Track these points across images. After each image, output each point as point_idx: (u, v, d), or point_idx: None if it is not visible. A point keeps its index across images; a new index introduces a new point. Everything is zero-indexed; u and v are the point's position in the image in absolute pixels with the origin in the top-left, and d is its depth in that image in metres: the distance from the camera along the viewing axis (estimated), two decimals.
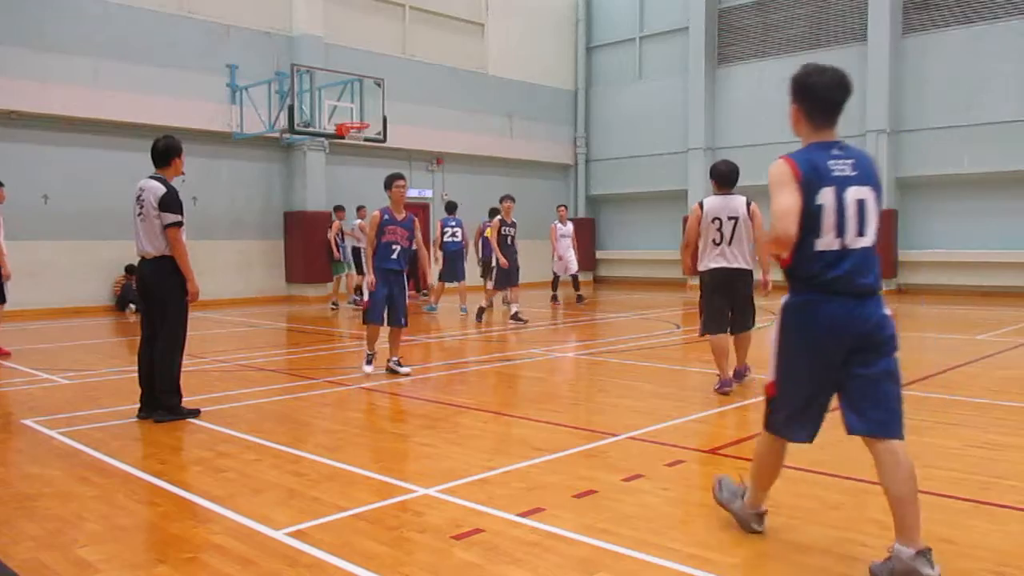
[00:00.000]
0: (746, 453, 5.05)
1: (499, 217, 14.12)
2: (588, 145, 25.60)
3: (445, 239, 15.10)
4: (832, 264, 3.27)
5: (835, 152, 3.49)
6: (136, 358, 6.46)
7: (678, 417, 6.21)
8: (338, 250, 16.50)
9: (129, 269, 15.80)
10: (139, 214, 6.25)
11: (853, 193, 3.33)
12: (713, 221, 7.06)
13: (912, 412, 6.29)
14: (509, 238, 13.90)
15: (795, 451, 5.09)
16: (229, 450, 5.34)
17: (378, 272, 8.11)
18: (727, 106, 22.52)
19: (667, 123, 23.46)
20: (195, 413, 6.36)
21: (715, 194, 7.28)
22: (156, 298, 6.31)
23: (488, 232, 14.61)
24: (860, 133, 19.81)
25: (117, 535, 3.83)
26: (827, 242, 3.28)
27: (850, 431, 3.40)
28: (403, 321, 8.26)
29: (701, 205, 7.24)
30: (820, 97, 3.63)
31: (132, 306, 15.03)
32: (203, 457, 5.20)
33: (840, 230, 3.28)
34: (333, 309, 16.19)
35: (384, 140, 17.31)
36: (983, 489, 4.36)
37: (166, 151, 6.37)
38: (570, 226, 16.85)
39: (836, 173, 3.38)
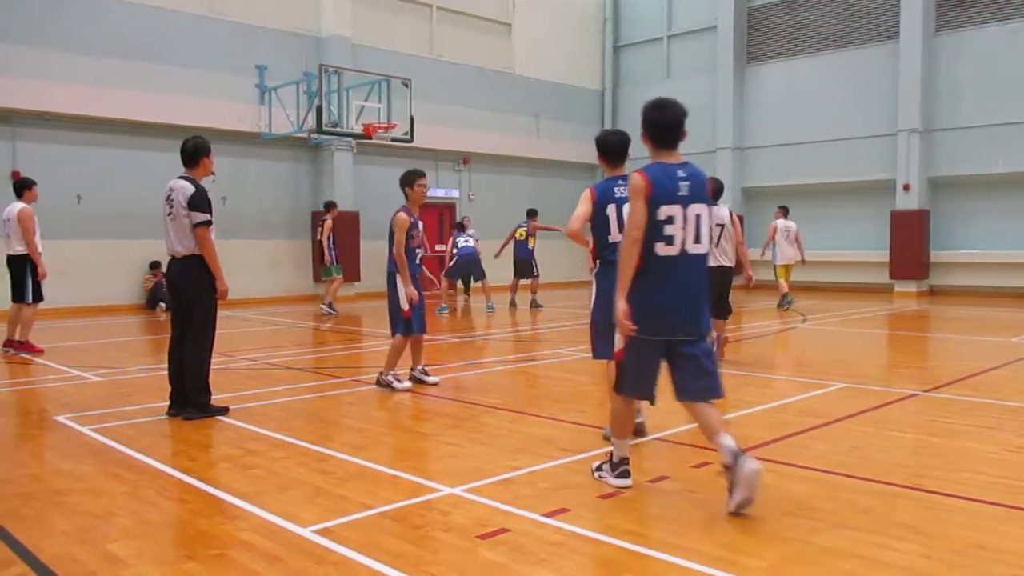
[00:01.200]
0: (775, 455, 5.01)
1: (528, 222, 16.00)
2: None
3: (459, 245, 15.62)
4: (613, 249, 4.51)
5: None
6: (166, 356, 6.54)
7: None
8: (328, 253, 15.13)
9: (153, 266, 16.01)
10: (169, 213, 6.32)
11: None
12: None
13: (944, 415, 6.22)
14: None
15: (823, 455, 5.05)
16: (257, 447, 5.38)
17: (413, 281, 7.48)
18: (756, 105, 22.36)
19: (695, 123, 22.74)
20: (224, 411, 6.42)
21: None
22: (185, 296, 6.37)
23: (520, 233, 16.16)
24: (891, 132, 19.59)
25: (147, 531, 3.87)
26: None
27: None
28: (425, 328, 7.81)
29: None
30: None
31: (162, 304, 15.22)
32: (231, 454, 5.24)
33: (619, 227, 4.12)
34: (329, 314, 14.80)
35: (411, 140, 17.37)
36: (1015, 494, 4.28)
37: (195, 151, 6.44)
38: None
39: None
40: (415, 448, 5.44)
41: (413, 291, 7.35)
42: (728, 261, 8.13)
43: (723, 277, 8.11)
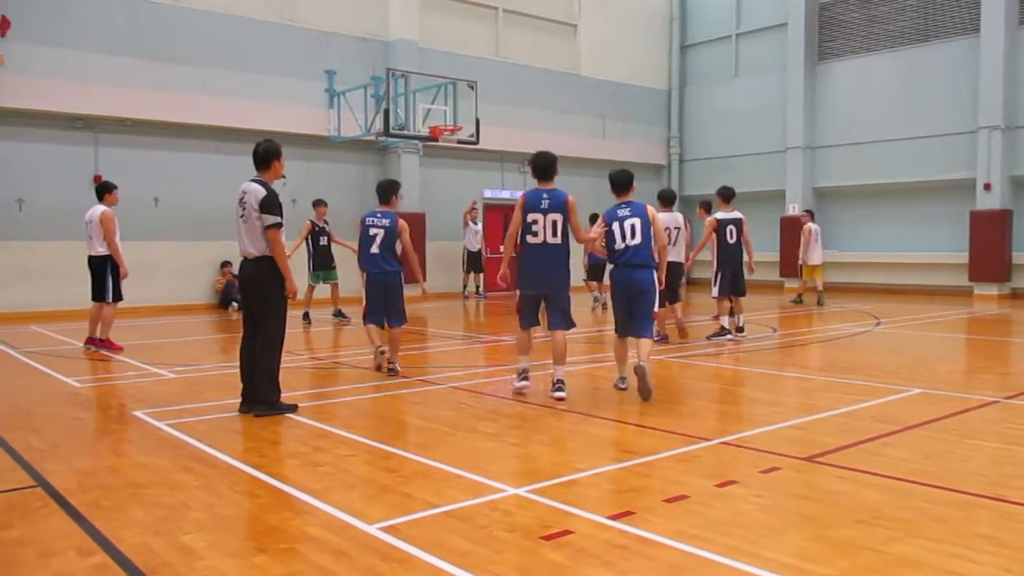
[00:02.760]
0: (847, 462, 4.88)
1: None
2: (682, 145, 25.22)
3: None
4: (620, 253, 7.16)
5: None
6: (238, 354, 6.70)
7: (774, 423, 6.05)
8: (308, 254, 13.69)
9: (223, 265, 16.43)
10: (241, 216, 6.47)
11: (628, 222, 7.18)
12: (665, 230, 8.55)
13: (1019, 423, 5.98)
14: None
15: (898, 462, 4.90)
16: (324, 445, 5.48)
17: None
18: (828, 104, 21.83)
19: (765, 122, 22.90)
20: (293, 408, 6.55)
21: (662, 210, 10.16)
22: (257, 296, 6.52)
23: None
24: (971, 129, 18.92)
25: (219, 524, 3.98)
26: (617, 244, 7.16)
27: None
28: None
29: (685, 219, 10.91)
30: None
31: (234, 304, 15.61)
32: (300, 451, 5.35)
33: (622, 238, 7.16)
34: (344, 320, 13.83)
35: (476, 142, 17.45)
36: None
37: (266, 154, 6.58)
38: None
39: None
40: (479, 448, 5.46)
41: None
42: (679, 258, 10.63)
43: (675, 270, 10.44)
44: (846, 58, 21.56)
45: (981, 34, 18.75)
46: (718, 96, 24.38)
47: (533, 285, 7.11)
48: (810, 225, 17.51)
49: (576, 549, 3.55)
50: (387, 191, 8.63)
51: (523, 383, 7.22)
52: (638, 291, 7.11)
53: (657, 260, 7.27)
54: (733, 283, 11.08)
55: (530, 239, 6.94)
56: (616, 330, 7.45)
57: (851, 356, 9.79)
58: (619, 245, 7.16)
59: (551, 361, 7.25)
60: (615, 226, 7.18)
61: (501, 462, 5.10)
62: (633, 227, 7.15)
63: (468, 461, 5.07)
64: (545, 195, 6.91)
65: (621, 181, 7.39)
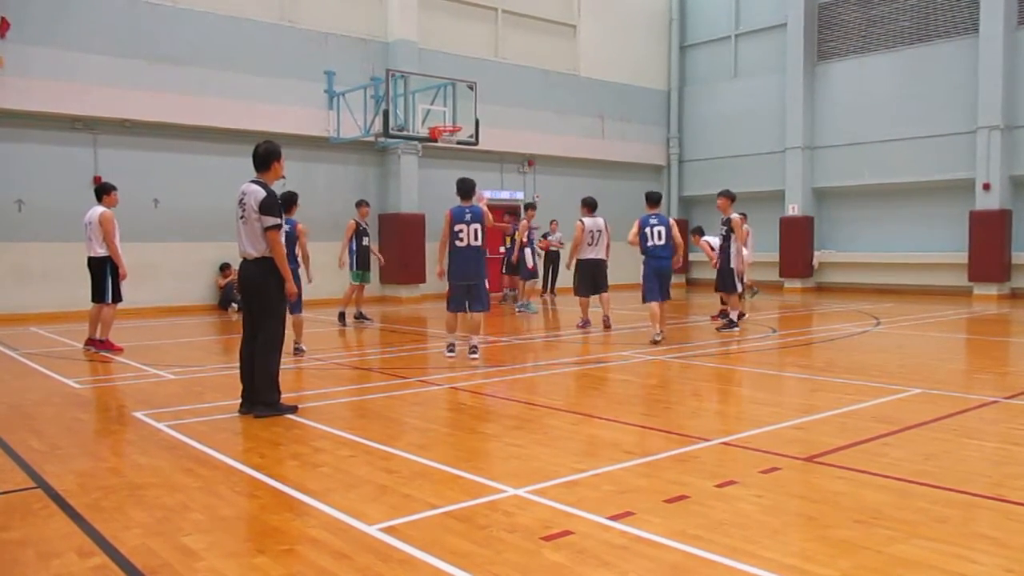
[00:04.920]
0: (847, 462, 4.88)
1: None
2: (681, 145, 25.23)
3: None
4: (651, 249, 10.76)
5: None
6: (238, 355, 6.70)
7: (774, 423, 6.05)
8: (351, 255, 13.47)
9: (223, 267, 16.43)
10: (241, 217, 6.47)
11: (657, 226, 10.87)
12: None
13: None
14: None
15: (898, 462, 4.90)
16: (324, 446, 5.48)
17: None
18: (827, 104, 21.85)
19: (764, 122, 22.92)
20: (293, 409, 6.55)
21: (586, 216, 12.62)
22: (256, 298, 6.51)
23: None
24: (970, 129, 18.95)
25: (219, 525, 3.97)
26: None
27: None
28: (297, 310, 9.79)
29: (583, 221, 12.54)
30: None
31: (234, 305, 15.61)
32: (300, 452, 5.34)
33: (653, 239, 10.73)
34: (367, 322, 13.86)
35: (476, 143, 17.46)
36: None
37: (266, 155, 6.58)
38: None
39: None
40: (479, 449, 5.46)
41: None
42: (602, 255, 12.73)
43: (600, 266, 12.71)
44: (845, 58, 21.58)
45: (980, 34, 18.77)
46: (717, 96, 24.38)
47: (462, 277, 9.28)
48: (746, 227, 16.99)
49: (576, 550, 3.55)
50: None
51: (451, 354, 9.41)
52: (666, 274, 10.96)
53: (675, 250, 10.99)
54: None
55: (458, 243, 9.20)
56: (651, 299, 10.78)
57: (851, 356, 9.79)
58: (650, 243, 10.85)
59: (469, 333, 9.62)
60: (647, 230, 10.87)
61: (501, 463, 5.09)
62: (660, 232, 10.89)
63: (468, 462, 5.07)
64: (467, 210, 9.18)
65: (654, 199, 11.27)
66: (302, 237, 10.10)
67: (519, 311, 15.50)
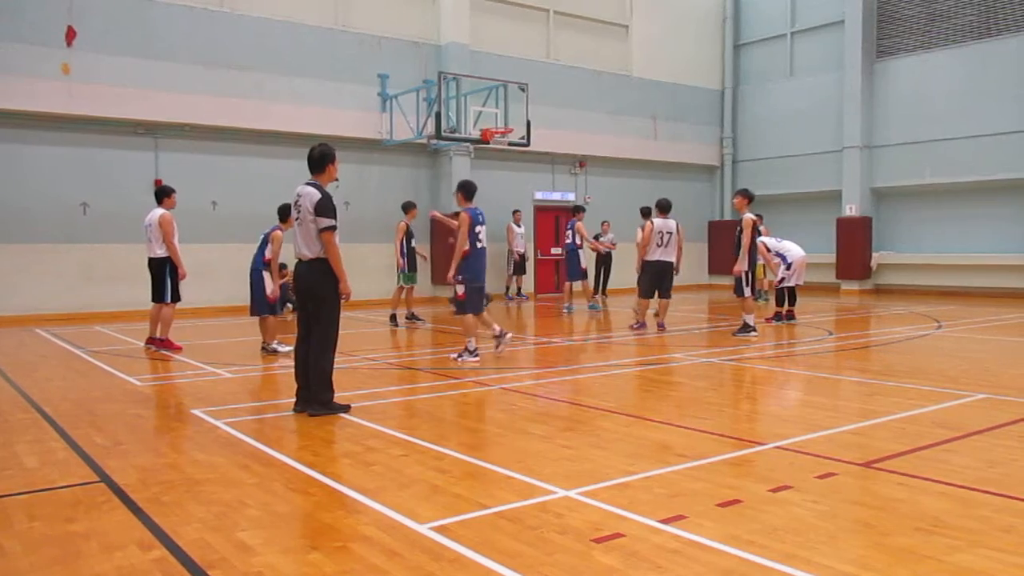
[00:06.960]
0: (906, 468, 4.76)
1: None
2: (735, 146, 24.91)
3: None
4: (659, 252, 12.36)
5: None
6: (292, 354, 6.80)
7: (830, 427, 5.92)
8: (402, 257, 13.62)
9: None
10: (297, 218, 6.57)
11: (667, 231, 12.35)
12: (658, 233, 12.34)
13: None
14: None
15: (960, 469, 4.77)
16: (377, 445, 5.53)
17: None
18: (886, 102, 21.36)
19: (821, 121, 22.50)
20: (346, 408, 6.63)
21: (657, 217, 12.60)
22: (311, 298, 6.61)
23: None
24: (1021, 129, 18.34)
25: (274, 521, 4.04)
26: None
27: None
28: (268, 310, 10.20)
29: (653, 222, 12.53)
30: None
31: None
32: (353, 451, 5.41)
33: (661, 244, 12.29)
34: (417, 320, 14.02)
35: (528, 144, 17.48)
36: None
37: (321, 158, 6.67)
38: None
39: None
40: (530, 450, 5.46)
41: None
42: (670, 258, 12.58)
43: (666, 268, 12.63)
44: (905, 55, 21.07)
45: None
46: (772, 95, 24.02)
47: (481, 278, 9.54)
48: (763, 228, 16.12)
49: (627, 552, 3.52)
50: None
51: (475, 359, 9.35)
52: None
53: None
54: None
55: (479, 244, 9.47)
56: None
57: (910, 360, 9.55)
58: (659, 248, 12.29)
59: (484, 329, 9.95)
60: (659, 236, 12.28)
61: (552, 464, 5.08)
62: (669, 238, 12.28)
63: (519, 463, 5.07)
64: (480, 213, 9.53)
65: (665, 207, 12.50)
66: (274, 244, 10.24)
67: (566, 312, 15.69)
